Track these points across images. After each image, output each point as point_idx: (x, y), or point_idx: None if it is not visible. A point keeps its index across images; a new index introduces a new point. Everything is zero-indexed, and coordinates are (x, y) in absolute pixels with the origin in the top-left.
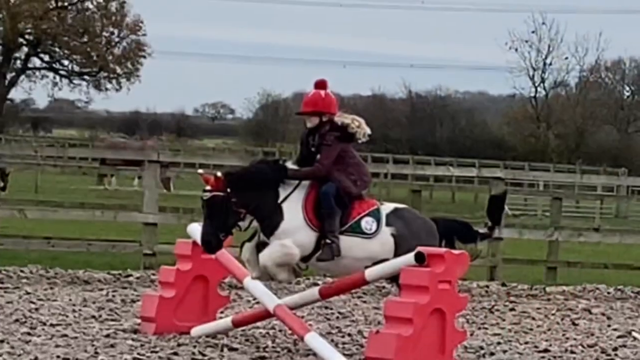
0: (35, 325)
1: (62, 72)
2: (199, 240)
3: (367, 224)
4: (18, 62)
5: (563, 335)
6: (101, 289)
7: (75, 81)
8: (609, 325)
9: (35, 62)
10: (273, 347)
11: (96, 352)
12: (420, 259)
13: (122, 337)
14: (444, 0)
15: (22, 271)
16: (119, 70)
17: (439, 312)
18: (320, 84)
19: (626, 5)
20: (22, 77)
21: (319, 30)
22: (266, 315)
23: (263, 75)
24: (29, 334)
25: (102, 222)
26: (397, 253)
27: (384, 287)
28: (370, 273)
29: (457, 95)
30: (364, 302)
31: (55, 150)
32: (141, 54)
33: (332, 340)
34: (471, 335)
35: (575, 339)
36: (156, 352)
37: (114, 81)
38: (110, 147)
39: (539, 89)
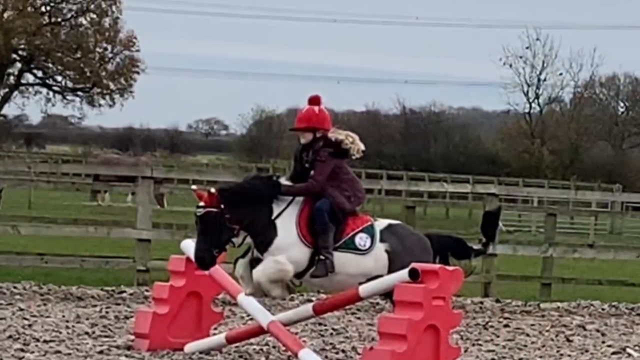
0: (28, 341)
1: (55, 88)
2: (192, 257)
3: (361, 240)
4: (11, 78)
5: (557, 351)
6: (95, 305)
7: (68, 97)
8: (603, 342)
9: (29, 78)
10: None
11: None
12: (414, 275)
13: (115, 354)
14: (438, 16)
15: (15, 287)
16: (112, 86)
17: (433, 328)
18: (314, 100)
19: (620, 21)
20: (16, 93)
21: (312, 46)
22: (260, 331)
23: (257, 91)
24: (22, 350)
25: (95, 238)
26: (391, 269)
27: (378, 304)
28: (364, 289)
29: (451, 111)
30: (358, 318)
31: (48, 166)
32: (135, 69)
33: (326, 357)
34: (465, 351)
35: (569, 356)
36: None
37: (107, 97)
38: (104, 163)
39: (533, 104)
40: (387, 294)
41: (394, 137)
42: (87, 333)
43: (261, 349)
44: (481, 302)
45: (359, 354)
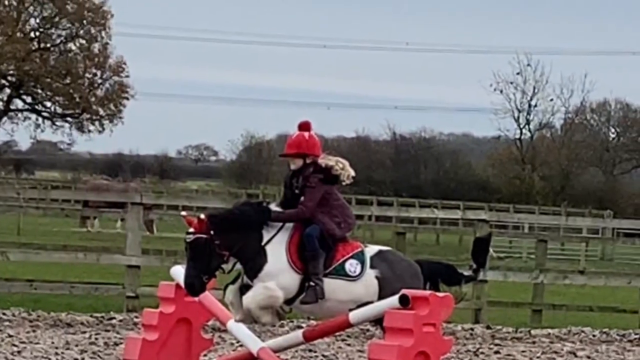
0: None
1: (44, 114)
2: (182, 283)
3: (351, 266)
4: (0, 103)
5: None
6: (84, 332)
7: (57, 123)
8: None
9: (18, 103)
10: None
11: None
12: (404, 301)
13: None
14: (428, 41)
15: (4, 314)
16: (101, 112)
17: (423, 355)
18: (304, 126)
19: (611, 47)
20: (5, 118)
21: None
22: (250, 358)
23: (246, 116)
24: None
25: (84, 264)
26: (381, 295)
27: (368, 330)
28: (354, 316)
29: (441, 137)
30: (348, 345)
31: (37, 193)
32: (124, 95)
33: None
34: None
35: None
36: None
37: (96, 123)
38: (93, 189)
39: (524, 130)
40: (378, 321)
41: (384, 163)
42: None
43: None
44: (472, 329)
45: None
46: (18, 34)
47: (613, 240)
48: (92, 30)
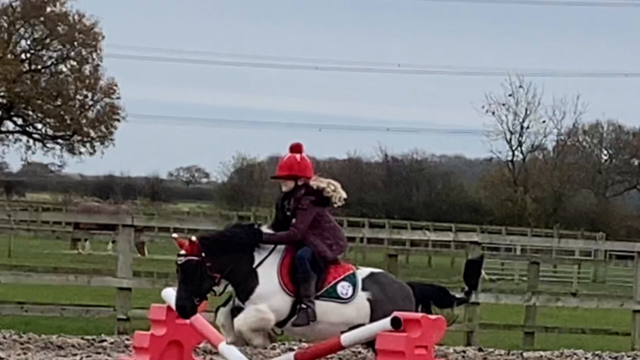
0: None
1: (35, 136)
2: (173, 305)
3: (343, 288)
4: None
5: None
6: (75, 354)
7: (48, 145)
8: None
9: (9, 125)
10: None
11: None
12: (396, 324)
13: None
14: (420, 63)
15: None
16: (92, 134)
17: None
18: (296, 148)
19: (604, 69)
20: None
21: (294, 93)
22: None
23: (238, 138)
24: None
25: (75, 286)
26: (373, 318)
27: (360, 352)
28: (346, 338)
29: (433, 159)
30: None
31: (28, 215)
32: (115, 117)
33: None
34: None
35: None
36: None
37: (87, 145)
38: (84, 211)
39: (516, 152)
40: (370, 343)
41: (376, 185)
42: None
43: None
44: (464, 351)
45: None
46: (9, 56)
47: (605, 262)
48: (83, 52)
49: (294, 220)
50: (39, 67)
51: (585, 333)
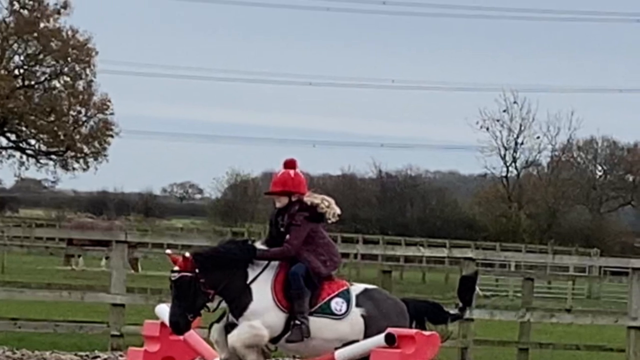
0: None
1: (29, 152)
2: (167, 321)
3: (337, 304)
4: None
5: None
6: None
7: (42, 161)
8: None
9: (2, 141)
10: None
11: None
12: (390, 340)
13: None
14: (414, 79)
15: None
16: (86, 150)
17: None
18: (290, 164)
19: (598, 84)
20: None
21: (288, 109)
22: None
23: (232, 154)
24: None
25: (69, 302)
26: (367, 334)
27: None
28: (340, 354)
29: (427, 175)
30: None
31: (22, 231)
32: (109, 133)
33: None
34: None
35: None
36: None
37: (81, 160)
38: (78, 227)
39: (510, 168)
40: (364, 359)
41: (370, 201)
42: None
43: None
44: None
45: None
46: (2, 71)
47: (600, 278)
48: (77, 68)
49: (287, 236)
50: (33, 82)
51: (580, 349)
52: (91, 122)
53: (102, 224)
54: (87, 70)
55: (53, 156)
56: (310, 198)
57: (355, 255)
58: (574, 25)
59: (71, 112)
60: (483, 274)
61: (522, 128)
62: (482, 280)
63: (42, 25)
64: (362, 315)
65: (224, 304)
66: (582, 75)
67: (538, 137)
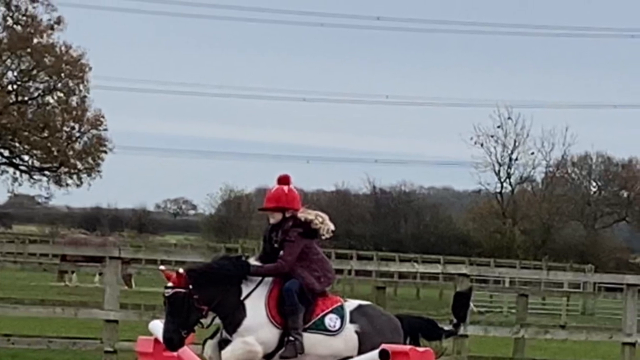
0: None
1: (22, 168)
2: (160, 338)
3: (331, 321)
4: None
5: None
6: None
7: (35, 176)
8: None
9: None
10: None
11: None
12: (384, 356)
13: None
14: (408, 95)
15: None
16: (79, 166)
17: None
18: (283, 180)
19: (593, 100)
20: None
21: (281, 125)
22: None
23: (225, 170)
24: None
25: (62, 319)
26: (361, 350)
27: None
28: None
29: (421, 191)
30: None
31: (15, 247)
32: (102, 149)
33: None
34: None
35: None
36: None
37: (74, 176)
38: (71, 243)
39: (504, 184)
40: None
41: (364, 217)
42: None
43: None
44: None
45: None
46: None
47: (594, 294)
48: (70, 83)
49: (281, 253)
50: (26, 98)
51: None
52: (85, 138)
53: (96, 240)
54: (81, 86)
55: (46, 172)
56: (304, 214)
57: (349, 272)
58: (568, 40)
59: (65, 128)
60: (477, 290)
61: (517, 144)
62: (476, 297)
63: (35, 40)
64: (356, 332)
65: (217, 320)
66: (577, 91)
67: (532, 153)
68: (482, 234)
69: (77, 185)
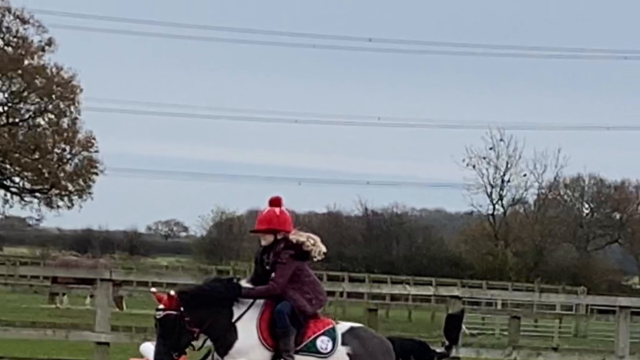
0: None
1: (13, 189)
2: None
3: (323, 343)
4: None
5: None
6: None
7: (26, 198)
8: None
9: None
10: None
11: None
12: None
13: None
14: (399, 116)
15: None
16: (70, 188)
17: None
18: (275, 202)
19: (585, 122)
20: None
21: (273, 147)
22: None
23: (217, 192)
24: None
25: (53, 341)
26: None
27: None
28: None
29: (413, 213)
30: None
31: (6, 269)
32: (93, 170)
33: None
34: None
35: None
36: None
37: (65, 198)
38: (62, 265)
39: (496, 206)
40: None
41: (356, 239)
42: None
43: None
44: None
45: None
46: None
47: (587, 316)
48: (61, 105)
49: (273, 275)
50: (17, 120)
51: None
52: (76, 160)
53: (87, 262)
54: (72, 108)
55: (37, 194)
56: (295, 236)
57: (341, 294)
58: (560, 62)
59: (56, 150)
60: (469, 312)
61: (509, 166)
62: (468, 319)
63: (26, 62)
64: (348, 354)
65: (209, 343)
66: (569, 113)
67: (525, 175)
68: (474, 256)
69: (68, 207)
